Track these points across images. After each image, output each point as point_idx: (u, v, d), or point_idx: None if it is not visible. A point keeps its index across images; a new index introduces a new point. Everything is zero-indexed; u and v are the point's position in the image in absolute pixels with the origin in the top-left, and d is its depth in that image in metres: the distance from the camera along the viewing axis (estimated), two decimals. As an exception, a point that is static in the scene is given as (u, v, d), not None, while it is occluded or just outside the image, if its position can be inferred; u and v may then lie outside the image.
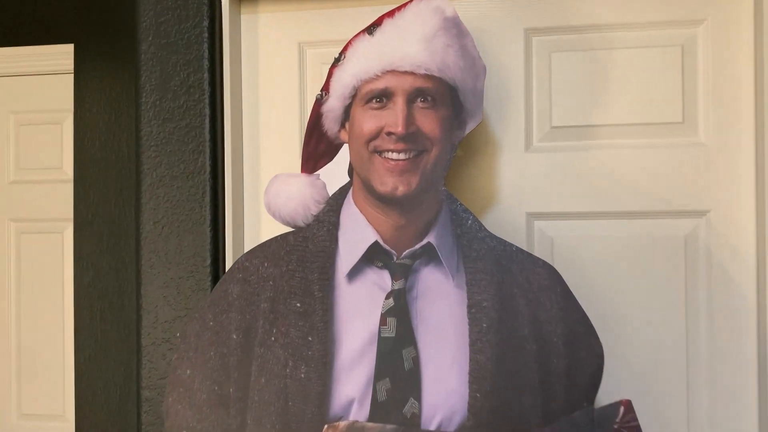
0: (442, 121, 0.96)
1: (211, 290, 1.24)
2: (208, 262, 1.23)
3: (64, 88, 1.95)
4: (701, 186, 1.20)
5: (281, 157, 1.30)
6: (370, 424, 0.92)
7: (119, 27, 1.44)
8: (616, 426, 0.86)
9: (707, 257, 1.20)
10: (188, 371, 1.01)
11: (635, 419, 0.86)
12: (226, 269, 1.27)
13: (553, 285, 0.96)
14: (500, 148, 1.24)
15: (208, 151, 1.23)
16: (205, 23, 1.23)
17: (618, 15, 1.22)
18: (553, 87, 1.24)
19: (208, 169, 1.23)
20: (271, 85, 1.31)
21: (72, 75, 1.75)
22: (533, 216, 1.23)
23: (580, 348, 0.94)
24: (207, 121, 1.23)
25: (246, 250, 1.30)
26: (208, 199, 1.23)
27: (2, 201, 2.05)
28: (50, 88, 1.98)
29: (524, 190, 1.23)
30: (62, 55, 1.95)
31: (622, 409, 0.86)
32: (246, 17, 1.31)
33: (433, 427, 0.91)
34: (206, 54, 1.23)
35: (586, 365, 0.94)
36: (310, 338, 0.95)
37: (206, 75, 1.24)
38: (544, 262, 0.98)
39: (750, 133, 1.19)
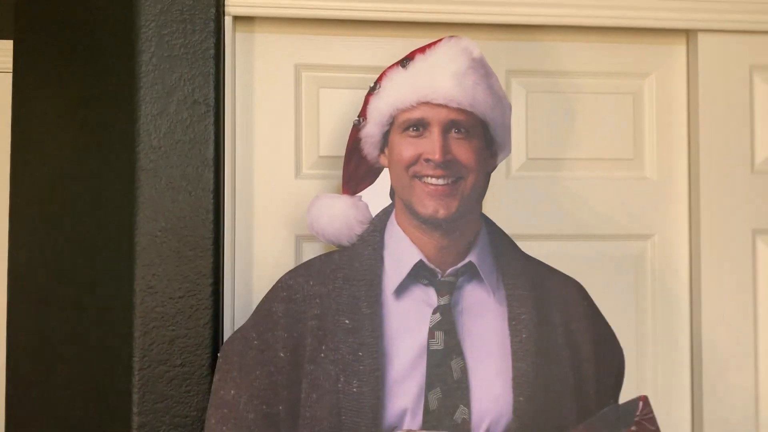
0: (476, 150, 1.06)
1: (212, 309, 1.22)
2: (210, 281, 1.21)
3: None
4: (647, 213, 1.42)
5: (275, 178, 1.32)
6: (424, 432, 0.99)
7: (66, 23, 1.35)
8: (636, 419, 1.00)
9: (652, 274, 1.42)
10: (232, 392, 1.00)
11: (651, 412, 1.01)
12: (227, 290, 1.26)
13: (581, 299, 1.10)
14: (486, 175, 1.36)
15: (212, 167, 1.22)
16: (212, 40, 1.22)
17: (582, 65, 1.41)
18: (529, 123, 1.40)
19: (212, 186, 1.22)
20: (267, 104, 1.32)
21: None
22: (512, 237, 1.37)
23: (606, 353, 1.09)
24: (212, 137, 1.22)
25: (243, 266, 1.30)
26: (211, 217, 1.22)
27: None
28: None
29: (504, 214, 1.36)
30: None
31: (641, 404, 1.01)
32: (240, 36, 1.32)
33: (482, 431, 0.99)
34: (212, 70, 1.22)
35: (611, 368, 1.09)
36: (360, 353, 1.00)
37: (212, 92, 1.22)
38: (574, 280, 1.12)
39: (684, 170, 1.43)
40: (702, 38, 1.40)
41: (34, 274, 1.34)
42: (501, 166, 1.37)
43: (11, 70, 1.63)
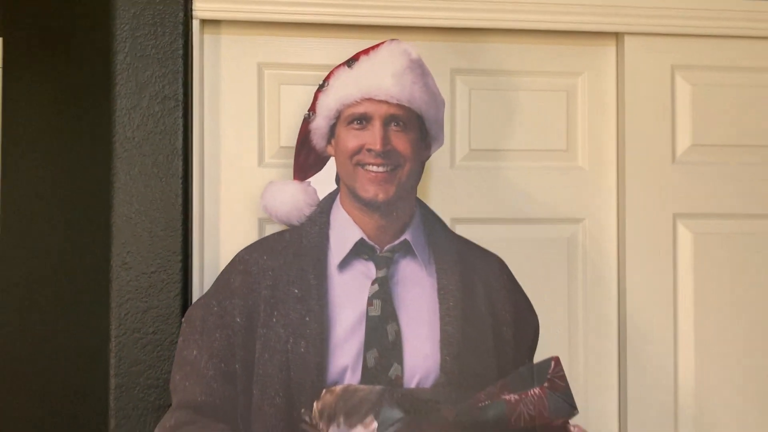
0: (412, 142, 1.20)
1: (182, 283, 1.36)
2: (179, 258, 1.35)
3: None
4: (579, 199, 1.56)
5: (240, 167, 1.46)
6: (362, 386, 1.13)
7: (50, 24, 1.48)
8: (549, 376, 1.15)
9: (583, 255, 1.56)
10: (194, 352, 1.14)
11: (562, 370, 1.15)
12: (195, 265, 1.40)
13: (501, 272, 1.25)
14: (431, 165, 1.50)
15: (181, 156, 1.35)
16: (181, 41, 1.36)
17: (521, 65, 1.55)
18: (471, 117, 1.54)
19: (180, 173, 1.35)
20: (232, 99, 1.46)
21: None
22: (455, 220, 1.51)
23: (522, 320, 1.23)
24: (180, 129, 1.36)
25: (210, 247, 1.44)
26: (180, 201, 1.35)
27: None
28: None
29: (449, 200, 1.51)
30: None
31: (553, 363, 1.15)
32: (208, 37, 1.45)
33: (413, 386, 1.14)
34: (181, 68, 1.36)
35: (527, 332, 1.24)
36: (307, 318, 1.14)
37: (180, 87, 1.36)
38: (495, 255, 1.27)
39: (613, 160, 1.57)
40: (628, 40, 1.54)
41: (21, 250, 1.47)
42: (445, 156, 1.52)
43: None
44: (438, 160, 1.50)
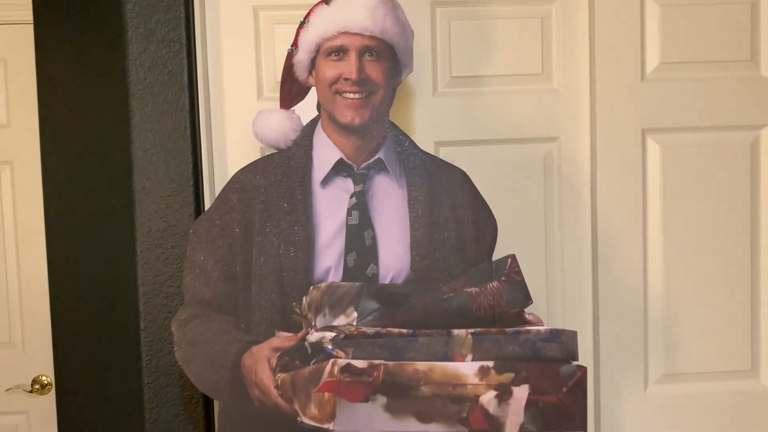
0: (384, 70, 1.35)
1: (195, 204, 1.56)
2: (191, 182, 1.55)
3: None
4: (554, 119, 1.69)
5: (241, 101, 1.63)
6: (344, 283, 1.32)
7: None
8: (506, 271, 1.32)
9: (558, 172, 1.70)
10: (201, 257, 1.35)
11: (518, 266, 1.32)
12: (206, 188, 1.60)
13: (464, 183, 1.40)
14: (413, 92, 1.64)
15: (187, 93, 1.53)
16: (181, -12, 1.52)
17: (497, -6, 1.66)
18: (452, 47, 1.66)
19: (187, 107, 1.54)
20: (231, 40, 1.62)
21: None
22: (439, 144, 1.66)
23: (483, 224, 1.39)
24: (185, 69, 1.53)
25: (219, 172, 1.64)
26: (188, 132, 1.54)
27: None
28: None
29: (432, 125, 1.66)
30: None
31: (509, 260, 1.32)
32: (208, -16, 1.61)
33: (387, 282, 1.33)
34: (183, 14, 1.52)
35: (486, 235, 1.40)
36: (296, 228, 1.33)
37: (183, 32, 1.53)
38: (459, 169, 1.42)
39: (586, 81, 1.68)
40: (599, -34, 1.63)
41: (62, 188, 1.69)
42: (428, 84, 1.66)
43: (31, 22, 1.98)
44: (421, 87, 1.64)
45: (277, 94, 1.62)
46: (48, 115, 1.71)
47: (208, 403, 1.59)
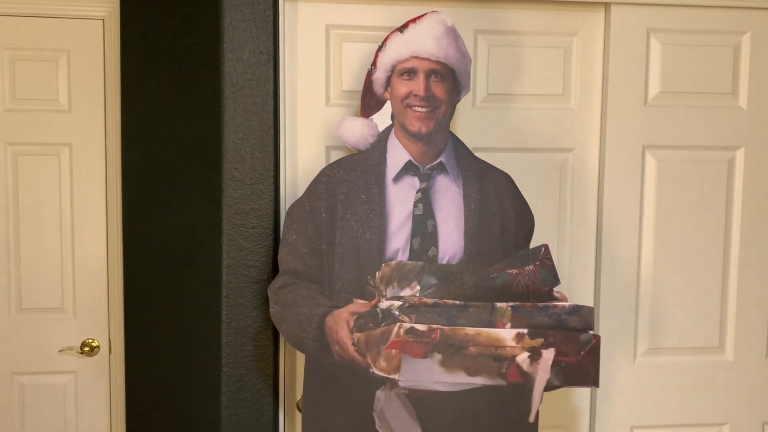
0: (446, 89, 1.65)
1: (274, 192, 1.84)
2: (272, 173, 1.83)
3: (59, 30, 2.33)
4: (570, 133, 2.01)
5: (311, 105, 1.91)
6: (409, 262, 1.63)
7: None
8: (540, 258, 1.64)
9: (572, 176, 2.03)
10: (294, 236, 1.64)
11: (550, 254, 1.64)
12: (281, 179, 1.88)
13: (508, 184, 1.73)
14: (459, 106, 1.95)
15: (272, 97, 1.81)
16: (271, 9, 1.79)
17: (529, 26, 1.97)
18: (489, 68, 1.97)
19: (272, 110, 1.81)
20: (306, 53, 1.90)
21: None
22: (475, 149, 1.97)
23: (522, 218, 1.72)
24: (272, 76, 1.81)
25: (290, 166, 1.92)
26: (272, 131, 1.82)
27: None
28: (46, 29, 2.34)
29: (472, 133, 1.97)
30: (57, 1, 2.32)
31: (543, 248, 1.65)
32: (288, 5, 1.88)
33: (444, 262, 1.64)
34: (271, 29, 1.80)
35: (525, 228, 1.73)
36: (371, 215, 1.63)
37: (271, 44, 1.80)
38: (505, 173, 1.74)
39: (598, 103, 2.01)
40: (614, 8, 1.96)
41: (144, 173, 1.95)
42: (469, 99, 1.97)
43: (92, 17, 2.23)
44: (463, 102, 1.95)
45: (342, 102, 1.93)
46: (130, 106, 1.97)
47: (276, 360, 1.88)
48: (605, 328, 2.03)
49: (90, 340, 2.45)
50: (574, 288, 2.05)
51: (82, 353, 2.44)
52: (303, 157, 1.91)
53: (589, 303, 2.05)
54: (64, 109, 2.38)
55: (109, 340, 2.43)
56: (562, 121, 2.01)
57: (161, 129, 1.92)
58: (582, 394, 2.07)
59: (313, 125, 1.91)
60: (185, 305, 1.91)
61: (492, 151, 1.97)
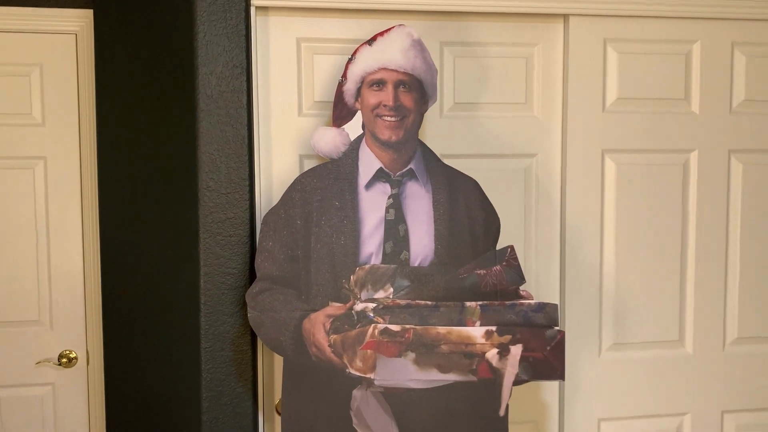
0: (414, 99, 1.73)
1: (249, 200, 1.89)
2: (247, 183, 1.88)
3: (32, 44, 2.36)
4: (534, 139, 2.10)
5: (284, 116, 1.97)
6: (383, 265, 1.70)
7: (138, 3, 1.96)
8: (506, 258, 1.72)
9: (536, 180, 2.12)
10: (270, 243, 1.70)
11: (515, 254, 1.72)
12: (256, 188, 1.93)
13: (475, 189, 1.81)
14: (426, 115, 2.02)
15: (245, 108, 1.86)
16: (243, 24, 1.85)
17: (492, 38, 2.05)
18: (456, 79, 2.05)
19: (245, 121, 1.87)
20: (278, 65, 1.96)
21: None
22: (444, 156, 2.04)
23: (490, 222, 1.80)
24: (245, 88, 1.86)
25: (266, 173, 1.97)
26: (246, 142, 1.87)
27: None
28: (19, 43, 2.37)
29: (440, 140, 2.04)
30: (29, 17, 2.35)
31: (509, 249, 1.73)
32: (260, 19, 1.94)
33: (416, 265, 1.71)
34: (243, 44, 1.86)
35: (492, 229, 1.81)
36: (345, 221, 1.69)
37: (244, 57, 1.86)
38: (472, 178, 1.82)
39: (559, 111, 2.11)
40: (572, 20, 2.06)
41: (120, 185, 1.99)
42: (436, 108, 2.05)
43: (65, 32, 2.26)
44: (431, 111, 2.02)
45: (314, 112, 1.99)
46: (105, 119, 2.01)
47: (255, 365, 1.93)
48: (571, 325, 2.12)
49: (67, 352, 2.47)
50: (541, 287, 2.13)
51: (59, 365, 2.46)
52: (277, 166, 1.97)
53: (555, 301, 2.14)
54: (38, 123, 2.41)
55: (87, 351, 2.46)
56: (525, 128, 2.10)
57: (136, 141, 1.96)
58: (550, 389, 2.16)
59: (286, 135, 1.97)
60: (164, 314, 1.95)
61: (460, 158, 2.05)
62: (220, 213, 1.87)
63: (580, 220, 2.11)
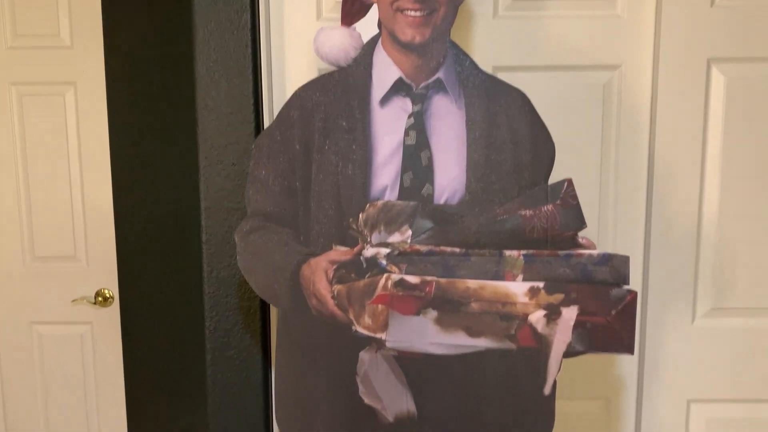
0: (447, -12, 1.33)
1: (255, 122, 1.60)
2: (252, 101, 1.58)
3: None
4: (616, 47, 1.65)
5: (300, 20, 1.64)
6: (399, 202, 1.35)
7: None
8: (561, 195, 1.33)
9: (618, 100, 1.67)
10: (263, 172, 1.39)
11: (574, 191, 1.32)
12: (265, 106, 1.63)
13: (523, 105, 1.40)
14: (474, 14, 1.63)
15: (249, 10, 1.55)
16: None
17: None
18: (514, -32, 1.63)
19: (249, 25, 1.55)
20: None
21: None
22: (497, 68, 1.65)
23: (540, 147, 1.40)
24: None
25: (277, 91, 1.66)
26: (249, 50, 1.56)
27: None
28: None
29: (492, 48, 1.64)
30: None
31: (566, 184, 1.33)
32: None
33: (442, 202, 1.35)
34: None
35: (544, 158, 1.41)
36: (354, 146, 1.35)
37: (246, -52, 1.53)
38: (518, 90, 1.42)
39: (652, 8, 1.64)
40: None
41: (124, 102, 1.75)
42: (489, 5, 1.63)
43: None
44: (481, 9, 1.62)
45: (336, 15, 1.63)
46: (112, 36, 1.76)
47: (264, 313, 1.67)
48: (656, 285, 1.69)
49: (104, 290, 2.35)
50: (620, 236, 1.71)
51: (95, 304, 2.35)
52: (292, 81, 1.65)
53: (638, 254, 1.72)
54: (66, 46, 2.23)
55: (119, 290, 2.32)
56: (605, 31, 1.64)
57: (139, 56, 1.70)
58: (626, 360, 1.75)
59: (301, 44, 1.64)
60: (169, 253, 1.72)
61: (517, 71, 1.65)
62: (221, 137, 1.59)
63: (674, 148, 1.65)
